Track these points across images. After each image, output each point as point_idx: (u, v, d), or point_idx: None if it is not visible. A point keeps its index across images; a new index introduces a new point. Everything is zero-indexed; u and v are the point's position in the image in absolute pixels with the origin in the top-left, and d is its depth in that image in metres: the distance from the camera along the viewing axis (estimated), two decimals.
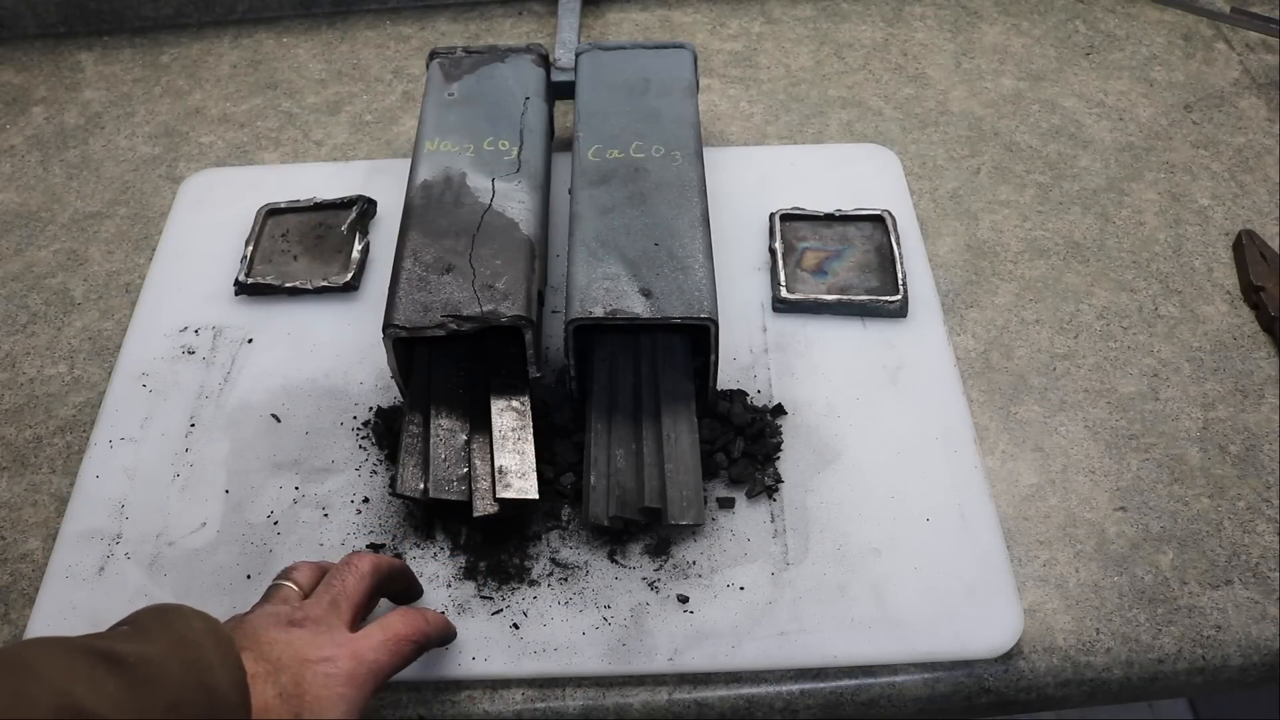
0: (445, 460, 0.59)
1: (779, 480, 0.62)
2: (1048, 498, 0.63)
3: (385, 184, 0.79)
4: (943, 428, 0.64)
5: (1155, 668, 0.56)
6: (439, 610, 0.57)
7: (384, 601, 0.56)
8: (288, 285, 0.72)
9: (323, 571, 0.52)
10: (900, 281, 0.70)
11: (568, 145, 0.73)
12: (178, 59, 0.95)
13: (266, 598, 0.50)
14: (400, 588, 0.56)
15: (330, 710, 0.45)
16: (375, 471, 0.64)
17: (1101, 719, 1.25)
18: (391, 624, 0.50)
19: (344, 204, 0.77)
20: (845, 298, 0.70)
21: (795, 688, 0.56)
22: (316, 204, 0.78)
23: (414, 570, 0.59)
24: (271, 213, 0.77)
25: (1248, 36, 0.93)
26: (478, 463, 0.59)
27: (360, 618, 0.50)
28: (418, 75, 0.92)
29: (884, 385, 0.67)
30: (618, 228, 0.64)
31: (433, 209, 0.66)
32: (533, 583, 0.58)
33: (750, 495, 0.61)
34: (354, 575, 0.51)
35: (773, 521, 0.60)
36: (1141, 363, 0.69)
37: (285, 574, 0.52)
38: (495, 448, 0.59)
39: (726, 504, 0.61)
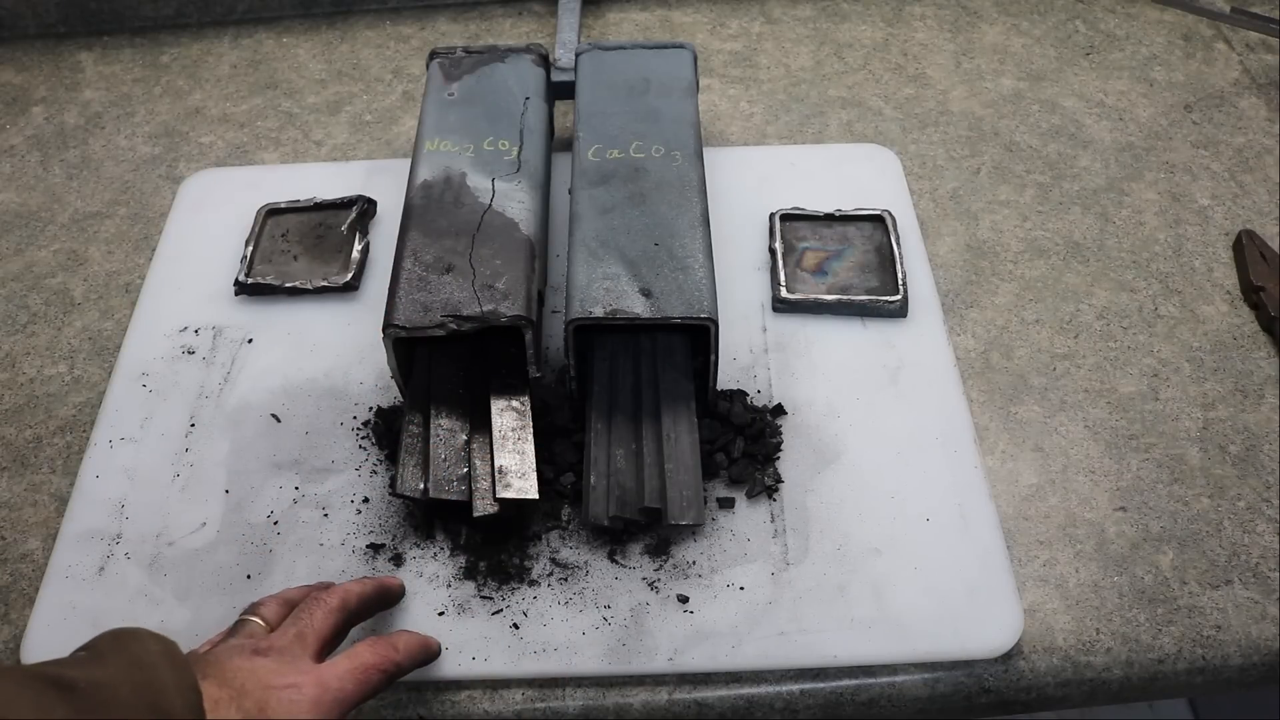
0: (445, 460, 0.59)
1: (779, 480, 0.62)
2: (1048, 498, 0.63)
3: (385, 184, 0.79)
4: (943, 428, 0.64)
5: (1155, 668, 0.56)
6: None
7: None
8: (288, 285, 0.72)
9: (290, 605, 0.52)
10: (900, 281, 0.70)
11: (568, 145, 0.73)
12: (178, 59, 0.95)
13: (232, 632, 0.50)
14: (374, 612, 0.55)
15: None
16: (375, 471, 0.64)
17: (1101, 719, 1.25)
18: (359, 653, 0.49)
19: (344, 204, 0.77)
20: (845, 298, 0.70)
21: (795, 688, 0.56)
22: (316, 204, 0.78)
23: (414, 570, 0.59)
24: (271, 213, 0.77)
25: (1248, 36, 0.93)
26: (478, 463, 0.59)
27: (327, 651, 0.50)
28: (418, 75, 0.92)
29: (884, 385, 0.67)
30: (618, 228, 0.64)
31: (433, 209, 0.66)
32: (533, 583, 0.58)
33: (750, 495, 0.61)
34: (321, 610, 0.51)
35: (773, 521, 0.60)
36: (1141, 363, 0.69)
37: (252, 609, 0.52)
38: (495, 448, 0.59)
39: (726, 504, 0.61)
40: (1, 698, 0.38)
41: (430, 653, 0.54)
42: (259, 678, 0.46)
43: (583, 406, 0.63)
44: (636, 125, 0.71)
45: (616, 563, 0.59)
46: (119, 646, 0.43)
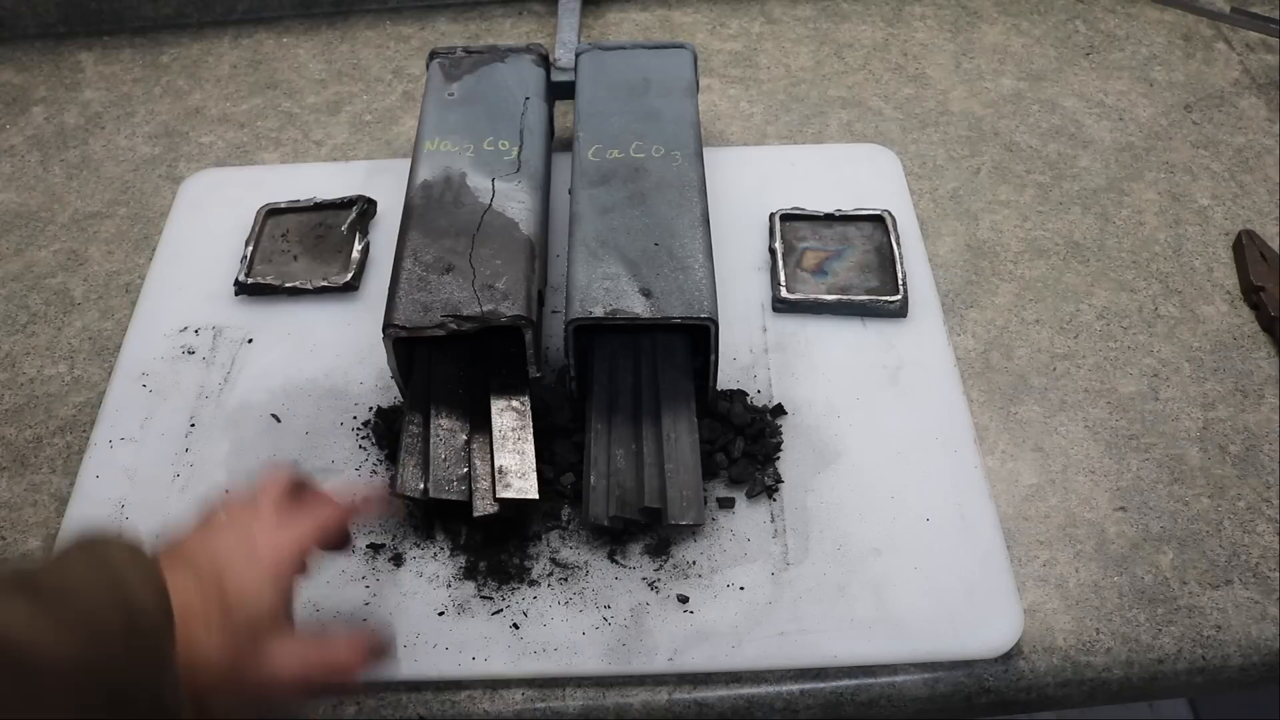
0: (445, 460, 0.59)
1: (779, 480, 0.62)
2: (1048, 498, 0.63)
3: (385, 184, 0.79)
4: (943, 428, 0.64)
5: (1155, 668, 0.56)
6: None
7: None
8: (288, 285, 0.72)
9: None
10: (900, 281, 0.70)
11: (568, 145, 0.73)
12: (178, 59, 0.95)
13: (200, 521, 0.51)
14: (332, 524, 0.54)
15: (251, 588, 0.46)
16: (375, 471, 0.64)
17: (1101, 719, 1.25)
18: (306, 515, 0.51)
19: (344, 204, 0.77)
20: (845, 298, 0.70)
21: (795, 688, 0.56)
22: (316, 204, 0.78)
23: (414, 570, 0.59)
24: (271, 213, 0.77)
25: (1248, 36, 0.93)
26: (478, 463, 0.59)
27: (280, 513, 0.51)
28: (418, 75, 0.92)
29: (884, 385, 0.67)
30: (618, 228, 0.64)
31: (433, 209, 0.66)
32: (533, 583, 0.58)
33: (750, 495, 0.61)
34: (270, 475, 0.52)
35: (773, 521, 0.60)
36: (1141, 363, 0.69)
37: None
38: (495, 448, 0.59)
39: (726, 504, 0.61)
40: None
41: (378, 650, 0.51)
42: (210, 544, 0.48)
43: (583, 406, 0.63)
44: (636, 125, 0.71)
45: (616, 563, 0.59)
46: (84, 547, 0.44)
